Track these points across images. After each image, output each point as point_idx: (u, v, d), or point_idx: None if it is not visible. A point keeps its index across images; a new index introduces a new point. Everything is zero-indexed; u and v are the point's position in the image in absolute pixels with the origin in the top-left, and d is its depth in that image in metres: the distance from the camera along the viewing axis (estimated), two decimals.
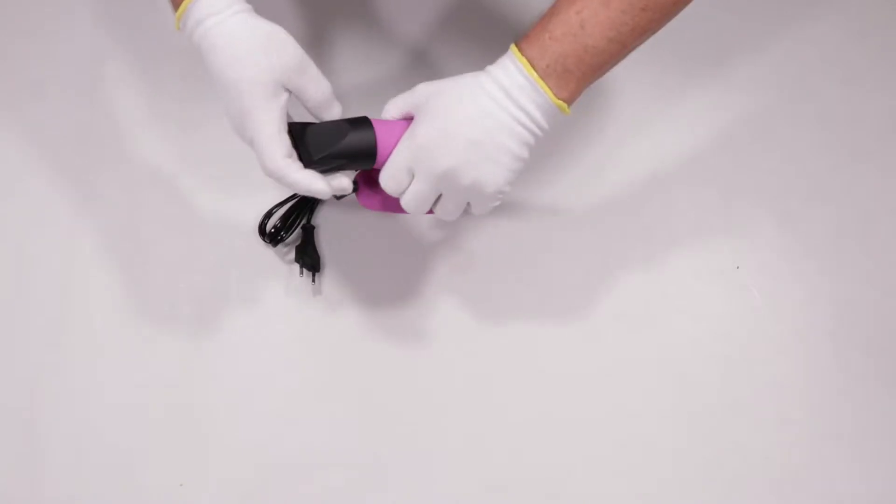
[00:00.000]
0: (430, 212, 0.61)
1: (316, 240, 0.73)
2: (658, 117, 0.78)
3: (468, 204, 0.60)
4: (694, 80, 0.80)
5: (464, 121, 0.56)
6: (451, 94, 0.57)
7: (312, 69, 0.59)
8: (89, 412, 0.68)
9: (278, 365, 0.70)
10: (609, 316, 0.72)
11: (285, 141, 0.57)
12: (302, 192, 0.58)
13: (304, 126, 0.59)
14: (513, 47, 0.57)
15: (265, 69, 0.56)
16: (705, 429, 0.69)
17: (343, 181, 0.60)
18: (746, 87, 0.80)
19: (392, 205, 0.62)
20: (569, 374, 0.70)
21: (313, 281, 0.71)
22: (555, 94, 0.56)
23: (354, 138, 0.58)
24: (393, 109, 0.59)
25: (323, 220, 0.74)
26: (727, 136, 0.78)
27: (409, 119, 0.59)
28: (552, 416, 0.69)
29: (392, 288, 0.72)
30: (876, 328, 0.72)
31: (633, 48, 0.57)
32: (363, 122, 0.58)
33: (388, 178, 0.58)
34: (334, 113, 0.61)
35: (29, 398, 0.68)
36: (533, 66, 0.55)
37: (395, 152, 0.58)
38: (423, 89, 0.58)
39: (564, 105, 0.57)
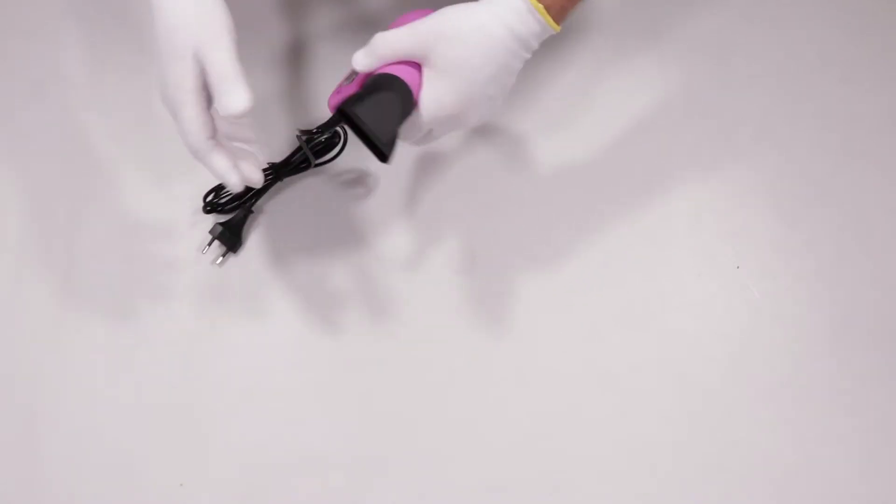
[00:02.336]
0: None
1: (247, 226, 0.73)
2: (657, 116, 0.78)
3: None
4: (694, 80, 0.80)
5: (487, 82, 0.56)
6: (469, 48, 0.55)
7: (223, 45, 0.55)
8: (89, 412, 0.68)
9: (278, 365, 0.70)
10: (609, 316, 0.72)
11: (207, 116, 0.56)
12: (217, 178, 0.58)
13: (349, 115, 0.56)
14: None
15: (190, 38, 0.55)
16: (705, 429, 0.69)
17: (255, 174, 0.59)
18: (746, 86, 0.80)
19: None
20: (568, 374, 0.70)
21: (220, 257, 0.71)
22: (556, 21, 0.57)
23: (405, 105, 0.56)
24: (388, 49, 0.56)
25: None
26: (727, 136, 0.78)
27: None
28: (552, 416, 0.69)
29: (392, 288, 0.72)
30: (876, 328, 0.72)
31: None
32: (396, 84, 0.56)
33: (410, 138, 0.60)
34: (228, 92, 0.55)
35: (29, 398, 0.68)
36: (550, 11, 0.56)
37: (422, 115, 0.57)
38: (427, 32, 0.56)
39: (556, 25, 0.57)
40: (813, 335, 0.72)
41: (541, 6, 0.55)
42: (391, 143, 0.56)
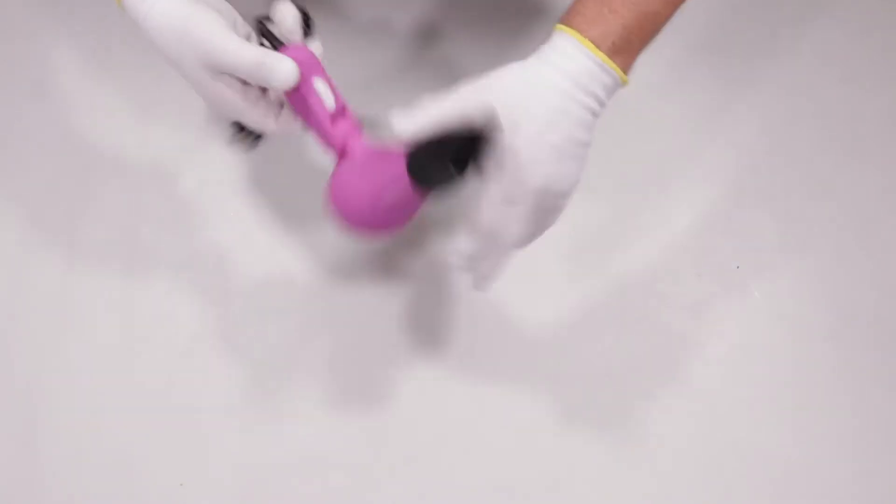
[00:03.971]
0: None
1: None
2: (658, 117, 0.78)
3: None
4: (694, 80, 0.80)
5: (538, 129, 0.50)
6: (520, 101, 0.50)
7: (231, 45, 0.53)
8: (89, 412, 0.68)
9: (279, 365, 0.70)
10: (609, 316, 0.72)
11: (264, 103, 0.56)
12: (254, 78, 0.53)
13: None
14: (569, 30, 0.51)
15: (191, 61, 0.53)
16: (705, 429, 0.69)
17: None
18: (747, 87, 0.80)
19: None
20: (569, 374, 0.70)
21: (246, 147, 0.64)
22: (625, 73, 0.52)
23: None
24: (423, 126, 0.52)
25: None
26: (727, 136, 0.78)
27: None
28: (552, 416, 0.69)
29: (393, 287, 0.72)
30: (876, 328, 0.72)
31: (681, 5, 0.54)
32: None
33: (491, 219, 0.52)
34: (270, 76, 0.53)
35: (29, 398, 0.68)
36: (598, 46, 0.50)
37: (497, 203, 0.52)
38: (476, 98, 0.51)
39: (626, 78, 0.53)
40: (813, 335, 0.72)
41: (588, 41, 0.50)
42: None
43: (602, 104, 0.53)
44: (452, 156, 0.51)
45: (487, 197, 0.52)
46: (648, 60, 0.80)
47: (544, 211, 0.53)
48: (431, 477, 0.67)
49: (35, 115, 0.77)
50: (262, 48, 0.53)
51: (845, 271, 0.74)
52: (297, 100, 0.56)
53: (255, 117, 0.56)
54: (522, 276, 0.73)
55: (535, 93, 0.50)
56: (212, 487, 0.67)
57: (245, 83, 0.55)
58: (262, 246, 0.73)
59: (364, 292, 0.72)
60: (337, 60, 0.80)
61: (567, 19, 0.52)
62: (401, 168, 0.54)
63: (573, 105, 0.51)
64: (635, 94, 0.79)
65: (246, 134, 0.61)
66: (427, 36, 0.81)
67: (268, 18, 0.59)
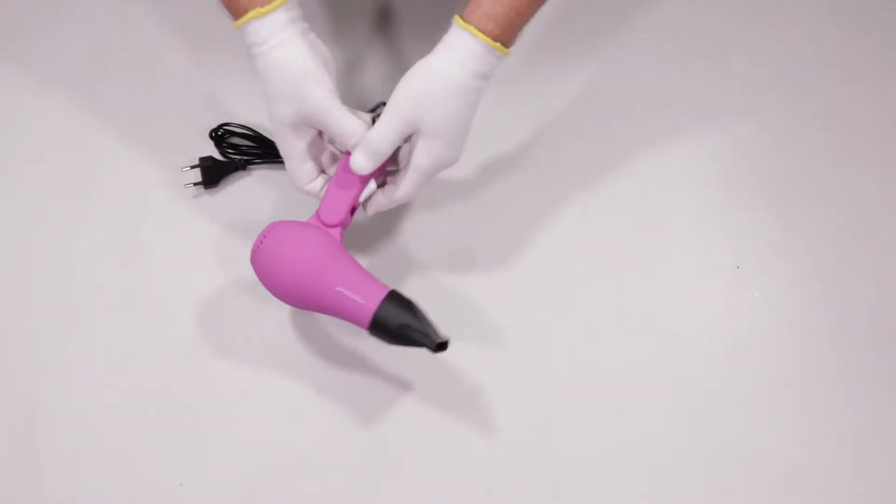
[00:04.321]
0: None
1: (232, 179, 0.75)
2: (658, 117, 0.78)
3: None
4: (694, 80, 0.80)
5: (467, 126, 0.61)
6: (450, 105, 0.59)
7: (335, 111, 0.60)
8: (89, 412, 0.68)
9: (278, 365, 0.70)
10: (609, 316, 0.72)
11: (309, 167, 0.64)
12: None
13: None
14: (482, 36, 0.58)
15: (290, 110, 0.60)
16: (705, 429, 0.69)
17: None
18: (746, 87, 0.80)
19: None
20: (569, 374, 0.70)
21: (193, 186, 0.74)
22: (508, 49, 0.60)
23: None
24: (385, 143, 0.60)
25: None
26: (727, 136, 0.78)
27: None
28: (552, 416, 0.69)
29: (393, 287, 0.72)
30: (876, 328, 0.72)
31: None
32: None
33: (414, 191, 0.63)
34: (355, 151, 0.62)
35: (29, 398, 0.68)
36: (506, 45, 0.59)
37: (418, 178, 0.62)
38: (408, 109, 0.59)
39: (505, 49, 0.60)
40: (813, 335, 0.72)
41: (498, 44, 0.58)
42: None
43: (489, 78, 0.60)
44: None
45: (415, 189, 0.62)
46: (648, 60, 0.80)
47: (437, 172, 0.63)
48: (431, 477, 0.67)
49: (35, 115, 0.77)
50: (360, 122, 0.61)
51: (845, 271, 0.74)
52: (348, 179, 0.63)
53: (301, 172, 0.64)
54: (522, 276, 0.73)
55: (463, 98, 0.59)
56: (212, 487, 0.67)
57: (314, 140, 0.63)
58: None
59: None
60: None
61: (465, 13, 0.59)
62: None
63: (477, 93, 0.60)
64: (635, 94, 0.79)
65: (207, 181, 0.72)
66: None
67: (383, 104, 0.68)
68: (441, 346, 0.59)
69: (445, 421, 0.69)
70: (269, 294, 0.71)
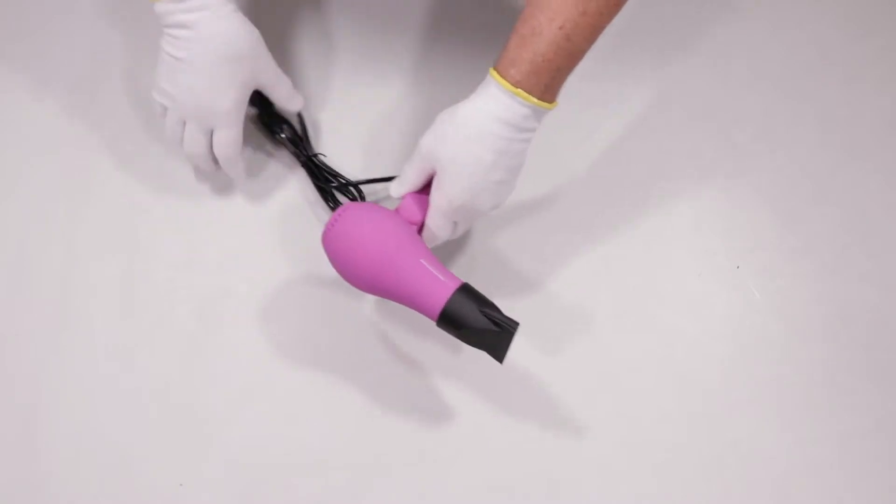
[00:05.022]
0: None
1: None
2: (658, 117, 0.78)
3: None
4: (694, 80, 0.80)
5: (487, 170, 0.60)
6: (459, 145, 0.60)
7: (276, 70, 0.69)
8: (89, 412, 0.68)
9: (278, 365, 0.70)
10: (609, 316, 0.72)
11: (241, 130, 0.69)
12: (231, 174, 0.71)
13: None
14: (502, 80, 0.58)
15: (249, 77, 0.67)
16: (705, 429, 0.69)
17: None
18: (746, 87, 0.80)
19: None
20: (569, 374, 0.70)
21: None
22: (551, 103, 0.60)
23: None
24: (410, 185, 0.64)
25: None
26: (727, 136, 0.78)
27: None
28: (552, 416, 0.69)
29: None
30: (876, 328, 0.72)
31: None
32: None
33: (441, 234, 0.64)
34: (298, 104, 0.72)
35: (29, 398, 0.68)
36: (532, 92, 0.58)
37: (435, 216, 0.63)
38: (428, 147, 0.61)
39: (544, 103, 0.60)
40: (813, 335, 0.72)
41: (520, 90, 0.58)
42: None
43: (537, 128, 0.61)
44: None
45: (436, 221, 0.63)
46: (649, 60, 0.80)
47: (467, 216, 0.64)
48: (431, 477, 0.67)
49: (35, 115, 0.77)
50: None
51: (845, 271, 0.74)
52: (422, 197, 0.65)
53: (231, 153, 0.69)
54: (521, 276, 0.73)
55: (478, 142, 0.59)
56: (212, 487, 0.67)
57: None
58: (262, 246, 0.73)
59: (364, 293, 0.72)
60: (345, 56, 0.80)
61: (501, 65, 0.59)
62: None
63: (514, 144, 0.60)
64: (635, 94, 0.79)
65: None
66: (429, 31, 0.81)
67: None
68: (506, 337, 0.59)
69: (445, 421, 0.69)
70: (269, 294, 0.71)
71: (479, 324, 0.58)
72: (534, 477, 0.68)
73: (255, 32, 0.67)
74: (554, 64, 0.58)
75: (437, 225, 0.63)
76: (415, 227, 0.64)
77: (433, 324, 0.71)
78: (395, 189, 0.65)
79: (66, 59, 0.79)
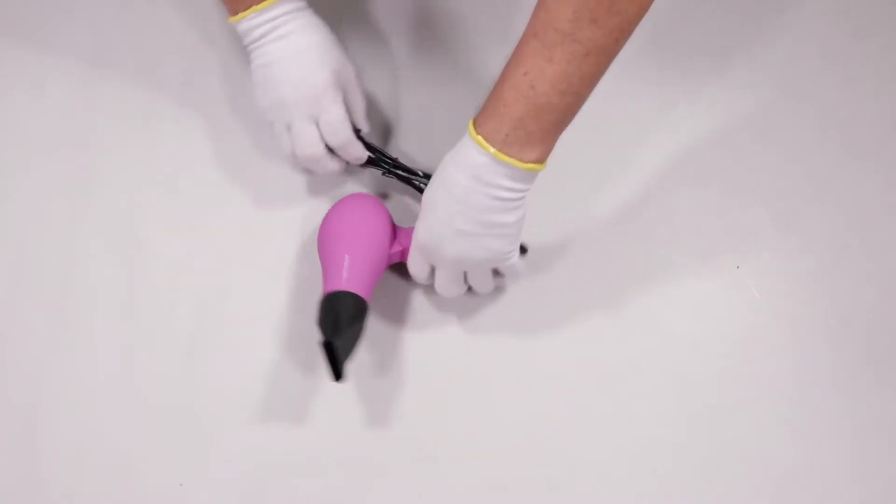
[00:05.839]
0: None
1: None
2: (658, 117, 0.78)
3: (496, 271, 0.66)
4: (694, 80, 0.80)
5: (449, 218, 0.60)
6: (431, 189, 0.61)
7: (356, 77, 0.69)
8: (89, 412, 0.68)
9: (278, 365, 0.70)
10: (609, 316, 0.72)
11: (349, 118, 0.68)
12: (352, 160, 0.69)
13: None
14: (470, 125, 0.58)
15: (336, 66, 0.66)
16: (705, 429, 0.69)
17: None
18: (746, 87, 0.80)
19: None
20: (568, 374, 0.70)
21: None
22: (520, 160, 0.57)
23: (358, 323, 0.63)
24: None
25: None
26: (727, 136, 0.78)
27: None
28: (552, 416, 0.69)
29: (392, 288, 0.72)
30: (876, 328, 0.72)
31: (590, 92, 0.58)
32: (338, 297, 0.63)
33: (414, 270, 0.66)
34: (365, 126, 0.70)
35: (29, 398, 0.68)
36: (490, 140, 0.57)
37: (411, 249, 0.65)
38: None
39: (536, 165, 0.58)
40: (813, 335, 0.72)
41: (479, 138, 0.57)
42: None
43: (513, 189, 0.59)
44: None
45: (411, 257, 0.66)
46: (649, 60, 0.80)
47: (480, 271, 0.65)
48: (431, 477, 0.67)
49: (35, 115, 0.77)
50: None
51: (845, 271, 0.74)
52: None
53: (322, 156, 0.68)
54: (522, 276, 0.73)
55: (443, 187, 0.60)
56: (212, 487, 0.67)
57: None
58: (262, 246, 0.73)
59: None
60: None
61: (476, 115, 0.59)
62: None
63: (475, 195, 0.58)
64: (635, 94, 0.79)
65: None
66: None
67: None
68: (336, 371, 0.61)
69: (445, 421, 0.69)
70: (269, 294, 0.71)
71: (322, 327, 0.62)
72: (534, 477, 0.68)
73: (334, 36, 0.67)
74: (514, 112, 0.56)
75: (411, 258, 0.66)
76: (388, 238, 0.67)
77: (433, 324, 0.71)
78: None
79: (66, 59, 0.79)
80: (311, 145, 0.66)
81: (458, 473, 0.68)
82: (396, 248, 0.68)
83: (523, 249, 0.69)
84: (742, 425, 0.69)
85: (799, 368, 0.71)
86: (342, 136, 0.67)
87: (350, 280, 0.64)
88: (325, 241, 0.67)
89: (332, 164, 0.69)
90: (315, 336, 0.71)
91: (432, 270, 0.66)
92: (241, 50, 0.78)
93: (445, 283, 0.65)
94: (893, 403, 0.70)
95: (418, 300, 0.72)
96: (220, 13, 0.80)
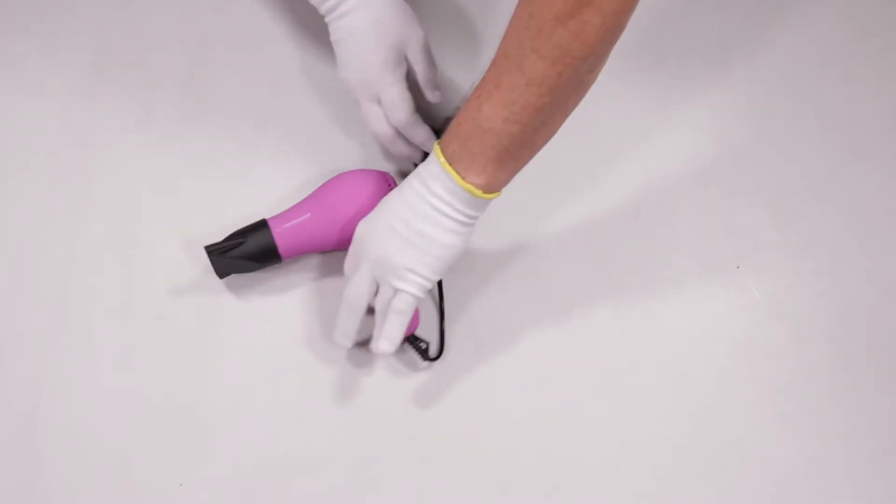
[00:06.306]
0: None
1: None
2: (658, 117, 0.78)
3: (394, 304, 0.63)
4: (694, 80, 0.80)
5: (387, 212, 0.62)
6: (389, 194, 0.63)
7: (425, 48, 0.68)
8: (89, 412, 0.68)
9: (278, 365, 0.70)
10: (609, 316, 0.72)
11: (410, 98, 0.68)
12: (418, 143, 0.70)
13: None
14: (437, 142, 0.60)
15: (396, 42, 0.66)
16: (705, 429, 0.69)
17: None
18: (746, 87, 0.80)
19: None
20: (568, 374, 0.70)
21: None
22: (462, 178, 0.58)
23: (252, 242, 0.67)
24: None
25: None
26: (727, 136, 0.78)
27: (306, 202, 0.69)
28: (552, 416, 0.69)
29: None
30: (876, 328, 0.72)
31: (542, 132, 0.57)
32: (260, 225, 0.68)
33: (346, 265, 0.66)
34: (436, 96, 0.71)
35: (29, 398, 0.68)
36: (442, 152, 0.58)
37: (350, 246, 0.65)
38: None
39: (477, 189, 0.58)
40: (813, 335, 0.72)
41: (437, 147, 0.59)
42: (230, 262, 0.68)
43: (453, 207, 0.59)
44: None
45: (348, 258, 0.66)
46: (649, 60, 0.80)
47: (387, 290, 0.63)
48: (431, 477, 0.67)
49: (35, 115, 0.77)
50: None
51: (845, 271, 0.74)
52: None
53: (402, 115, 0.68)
54: (522, 276, 0.73)
55: (398, 189, 0.62)
56: (212, 487, 0.67)
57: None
58: None
59: None
60: None
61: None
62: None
63: (417, 199, 0.60)
64: (635, 94, 0.79)
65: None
66: None
67: None
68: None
69: (445, 422, 0.69)
70: (269, 294, 0.71)
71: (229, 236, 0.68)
72: (534, 477, 0.68)
73: (404, 6, 0.67)
74: (462, 131, 0.57)
75: (349, 251, 0.66)
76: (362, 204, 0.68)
77: (433, 324, 0.71)
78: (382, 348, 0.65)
79: (66, 59, 0.78)
80: (376, 125, 0.68)
81: (458, 473, 0.68)
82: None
83: (428, 355, 0.69)
84: (742, 425, 0.69)
85: (799, 368, 0.71)
86: (401, 116, 0.67)
87: (284, 232, 0.67)
88: (320, 189, 0.69)
89: (404, 149, 0.70)
90: (315, 335, 0.71)
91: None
92: (242, 49, 0.78)
93: (356, 285, 0.63)
94: (893, 403, 0.70)
95: (418, 300, 0.71)
96: (220, 13, 0.79)
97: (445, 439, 0.68)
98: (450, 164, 0.58)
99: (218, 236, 0.70)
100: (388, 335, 0.63)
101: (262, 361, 0.70)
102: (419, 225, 0.60)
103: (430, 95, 0.71)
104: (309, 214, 0.68)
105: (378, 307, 0.64)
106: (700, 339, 0.72)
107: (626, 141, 0.77)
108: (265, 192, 0.74)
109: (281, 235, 0.67)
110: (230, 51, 0.78)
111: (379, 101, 0.67)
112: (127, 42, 0.79)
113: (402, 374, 0.70)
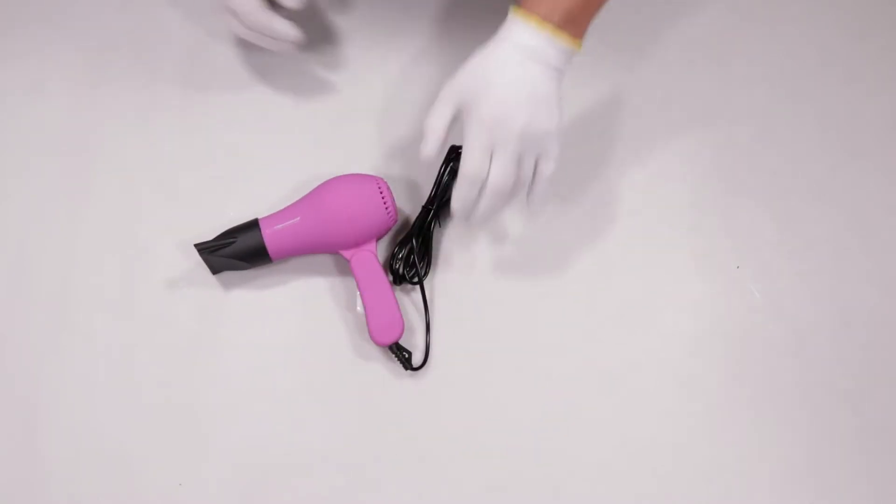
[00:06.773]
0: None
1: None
2: (658, 117, 0.78)
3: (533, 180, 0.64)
4: (694, 80, 0.80)
5: (511, 83, 0.61)
6: (486, 73, 0.61)
7: None
8: (89, 412, 0.68)
9: (278, 365, 0.70)
10: (609, 316, 0.72)
11: None
12: (269, 33, 0.69)
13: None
14: (519, 11, 0.61)
15: None
16: (705, 429, 0.69)
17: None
18: (746, 87, 0.80)
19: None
20: (568, 374, 0.70)
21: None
22: (573, 39, 0.61)
23: (242, 242, 0.68)
24: (436, 135, 0.63)
25: None
26: (727, 136, 0.78)
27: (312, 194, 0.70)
28: (552, 416, 0.69)
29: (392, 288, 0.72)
30: (876, 328, 0.72)
31: None
32: (252, 225, 0.68)
33: (471, 166, 0.62)
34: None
35: (29, 398, 0.68)
36: (546, 20, 0.60)
37: (467, 142, 0.62)
38: (455, 85, 0.63)
39: (580, 43, 0.62)
40: (813, 335, 0.72)
41: (520, 9, 0.60)
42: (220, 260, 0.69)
43: (561, 64, 0.62)
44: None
45: (470, 147, 0.62)
46: (649, 60, 0.80)
47: (531, 155, 0.63)
48: (430, 477, 0.67)
49: (35, 115, 0.77)
50: None
51: (845, 271, 0.74)
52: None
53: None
54: (522, 275, 0.73)
55: (495, 67, 0.61)
56: (212, 487, 0.67)
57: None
58: None
59: None
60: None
61: (521, 1, 0.61)
62: None
63: (529, 70, 0.61)
64: (635, 94, 0.79)
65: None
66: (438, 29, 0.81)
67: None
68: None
69: (445, 422, 0.69)
70: (270, 294, 0.71)
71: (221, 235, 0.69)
72: (534, 477, 0.68)
73: None
74: (588, 10, 0.61)
75: (474, 160, 0.62)
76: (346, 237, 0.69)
77: (432, 325, 0.71)
78: (426, 149, 0.63)
79: (66, 59, 0.79)
80: (239, 32, 0.70)
81: (458, 473, 0.68)
82: (348, 251, 0.69)
83: (411, 364, 0.69)
84: (742, 425, 0.69)
85: (799, 368, 0.71)
86: (251, 17, 0.68)
87: (274, 233, 0.68)
88: (313, 192, 0.70)
89: (275, 24, 0.69)
90: (315, 335, 0.71)
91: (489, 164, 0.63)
92: (241, 49, 0.78)
93: (502, 168, 0.62)
94: (893, 403, 0.70)
95: (417, 300, 0.72)
96: (220, 13, 0.79)
97: (445, 439, 0.68)
98: (560, 30, 0.60)
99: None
100: (542, 199, 0.66)
101: (262, 361, 0.70)
102: (545, 87, 0.61)
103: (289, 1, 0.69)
104: (300, 217, 0.68)
105: (527, 180, 0.65)
106: (700, 339, 0.72)
107: (625, 140, 0.77)
108: (264, 192, 0.74)
109: (271, 237, 0.68)
110: (230, 51, 0.78)
111: (233, 12, 0.69)
112: (127, 42, 0.79)
113: (403, 374, 0.70)
